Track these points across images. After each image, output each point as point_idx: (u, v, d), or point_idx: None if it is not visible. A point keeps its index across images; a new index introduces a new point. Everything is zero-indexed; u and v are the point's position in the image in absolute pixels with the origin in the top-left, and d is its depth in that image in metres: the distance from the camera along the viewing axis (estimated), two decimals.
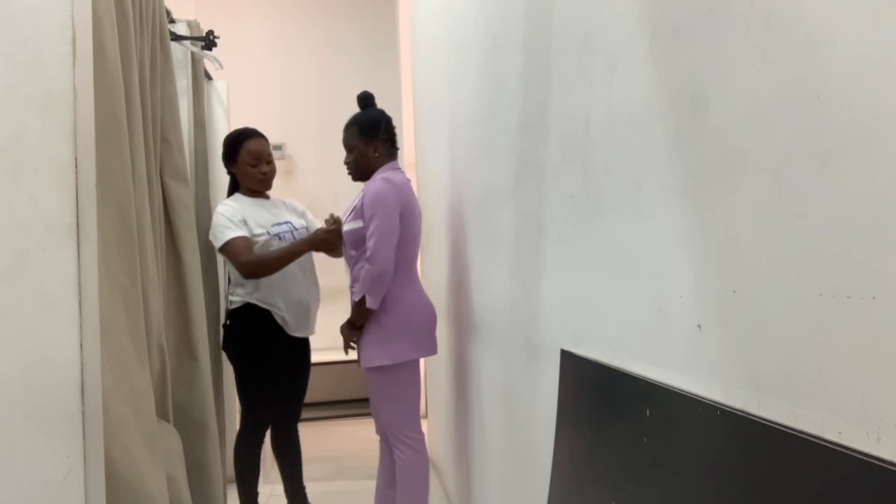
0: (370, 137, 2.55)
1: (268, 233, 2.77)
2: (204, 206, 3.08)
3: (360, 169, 2.58)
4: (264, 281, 2.74)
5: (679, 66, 0.97)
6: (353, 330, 2.51)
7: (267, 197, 2.94)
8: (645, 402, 1.06)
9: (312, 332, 2.95)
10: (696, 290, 0.94)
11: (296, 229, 2.88)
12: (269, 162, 2.88)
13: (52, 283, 1.37)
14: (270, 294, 2.77)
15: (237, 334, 2.82)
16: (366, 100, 2.65)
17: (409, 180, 2.58)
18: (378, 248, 2.39)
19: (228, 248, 2.71)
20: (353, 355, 2.63)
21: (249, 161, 2.83)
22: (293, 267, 2.78)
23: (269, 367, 2.80)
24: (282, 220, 2.86)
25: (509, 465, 2.02)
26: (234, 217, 2.75)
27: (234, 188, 2.94)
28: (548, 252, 1.59)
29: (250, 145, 2.83)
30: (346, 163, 2.61)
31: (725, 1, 0.85)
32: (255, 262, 2.70)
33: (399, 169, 2.61)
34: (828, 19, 0.67)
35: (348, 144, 2.59)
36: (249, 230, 2.75)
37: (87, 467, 1.38)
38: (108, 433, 1.51)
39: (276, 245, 2.76)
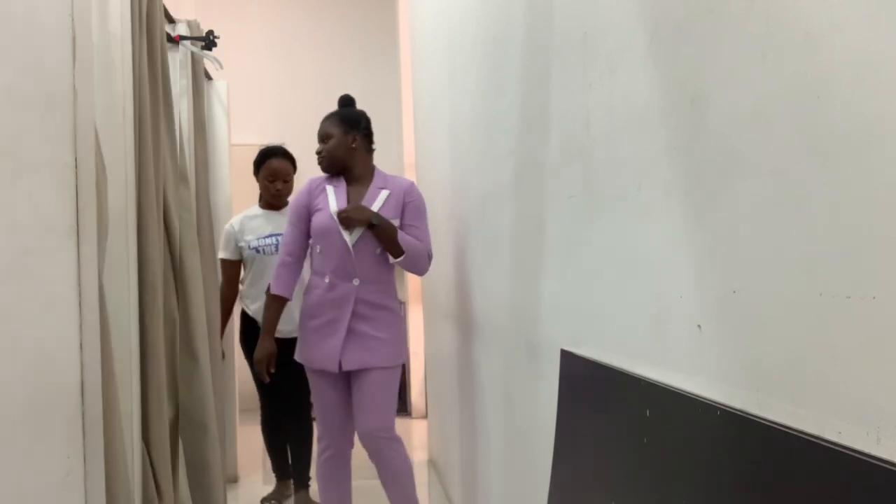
0: (350, 128, 2.47)
1: (249, 245, 3.15)
2: (204, 206, 3.08)
3: (335, 159, 2.46)
4: (247, 284, 3.18)
5: (679, 66, 0.97)
6: (367, 221, 2.35)
7: (279, 208, 3.21)
8: (645, 402, 1.06)
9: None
10: (696, 290, 0.94)
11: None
12: (286, 181, 3.21)
13: (52, 283, 1.37)
14: (253, 297, 3.13)
15: (241, 334, 3.26)
16: (347, 101, 2.61)
17: None
18: (430, 249, 2.50)
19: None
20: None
21: (267, 177, 3.19)
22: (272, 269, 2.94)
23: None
24: (271, 233, 3.15)
25: (509, 464, 2.02)
26: (227, 239, 3.20)
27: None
28: (548, 252, 1.59)
29: (272, 163, 3.19)
30: (318, 152, 2.49)
31: (725, 1, 0.85)
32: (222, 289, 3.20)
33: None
34: (828, 19, 0.67)
35: (325, 133, 2.49)
36: (240, 240, 3.17)
37: (87, 467, 1.38)
38: (109, 433, 1.51)
39: (256, 259, 3.15)
